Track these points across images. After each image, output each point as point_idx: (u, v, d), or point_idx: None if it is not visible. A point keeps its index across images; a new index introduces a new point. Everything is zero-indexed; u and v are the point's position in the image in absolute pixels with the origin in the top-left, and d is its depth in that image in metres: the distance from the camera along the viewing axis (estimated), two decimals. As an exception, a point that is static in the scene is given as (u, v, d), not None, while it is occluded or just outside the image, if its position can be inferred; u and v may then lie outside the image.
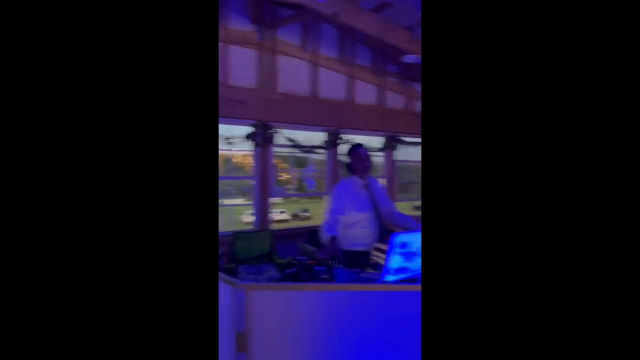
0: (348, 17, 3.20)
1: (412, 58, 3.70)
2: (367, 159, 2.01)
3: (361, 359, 1.04)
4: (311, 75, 3.96)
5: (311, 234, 2.93)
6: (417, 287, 1.06)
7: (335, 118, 4.07)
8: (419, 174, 5.14)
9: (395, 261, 1.26)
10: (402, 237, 1.25)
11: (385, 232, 2.05)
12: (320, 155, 4.17)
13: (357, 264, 1.79)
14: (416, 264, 1.33)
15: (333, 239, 1.66)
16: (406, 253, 1.28)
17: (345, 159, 2.11)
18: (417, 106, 4.86)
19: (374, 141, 4.51)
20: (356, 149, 2.04)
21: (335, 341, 1.05)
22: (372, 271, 1.76)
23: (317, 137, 4.09)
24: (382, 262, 1.81)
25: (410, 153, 4.94)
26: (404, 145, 4.71)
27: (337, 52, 4.11)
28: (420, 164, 5.07)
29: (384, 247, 1.85)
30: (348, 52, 4.17)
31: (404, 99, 4.77)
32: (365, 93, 4.39)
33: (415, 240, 1.29)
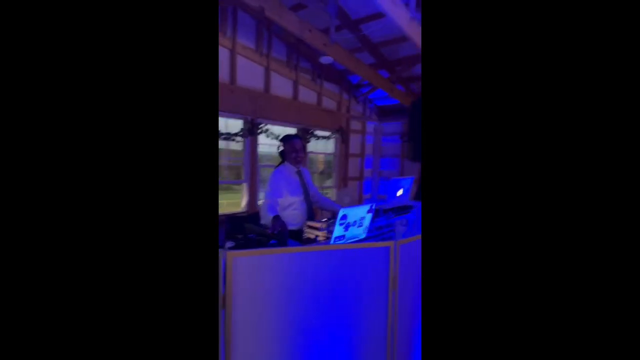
0: (272, 12, 3.34)
1: (327, 59, 4.08)
2: (302, 149, 2.26)
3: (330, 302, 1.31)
4: (229, 62, 3.96)
5: (231, 220, 3.03)
6: (363, 245, 1.39)
7: (252, 107, 4.17)
8: (325, 166, 5.64)
9: (337, 230, 1.57)
10: (343, 212, 1.56)
11: (312, 213, 2.36)
12: (238, 144, 4.22)
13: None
14: (350, 232, 1.66)
15: (276, 217, 1.87)
16: (345, 225, 1.60)
17: (280, 147, 2.31)
18: (328, 103, 5.33)
19: (287, 132, 4.76)
20: (292, 139, 2.27)
21: (307, 294, 1.29)
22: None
23: (235, 124, 4.12)
24: (312, 237, 2.11)
25: (320, 146, 5.39)
26: (314, 139, 5.12)
27: (254, 42, 4.19)
28: (325, 157, 5.54)
29: (313, 224, 2.16)
30: (265, 44, 4.30)
31: (316, 95, 5.16)
32: (281, 86, 4.60)
33: (351, 214, 1.62)
